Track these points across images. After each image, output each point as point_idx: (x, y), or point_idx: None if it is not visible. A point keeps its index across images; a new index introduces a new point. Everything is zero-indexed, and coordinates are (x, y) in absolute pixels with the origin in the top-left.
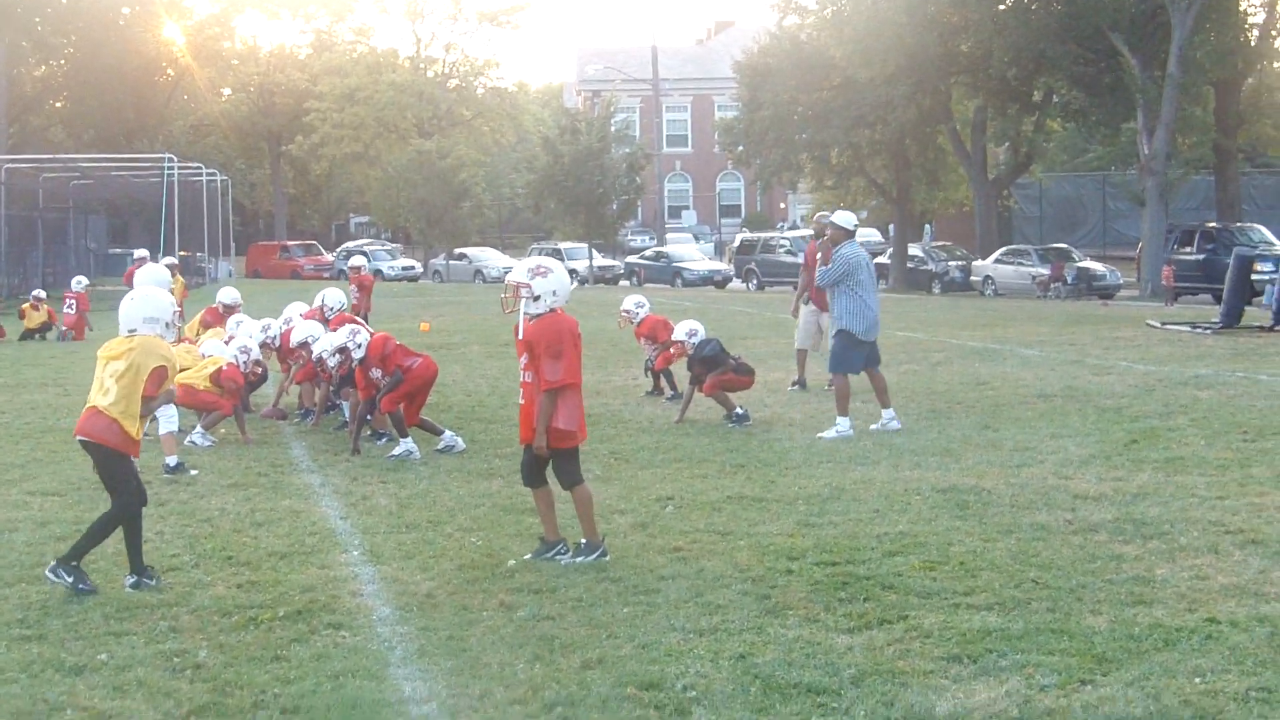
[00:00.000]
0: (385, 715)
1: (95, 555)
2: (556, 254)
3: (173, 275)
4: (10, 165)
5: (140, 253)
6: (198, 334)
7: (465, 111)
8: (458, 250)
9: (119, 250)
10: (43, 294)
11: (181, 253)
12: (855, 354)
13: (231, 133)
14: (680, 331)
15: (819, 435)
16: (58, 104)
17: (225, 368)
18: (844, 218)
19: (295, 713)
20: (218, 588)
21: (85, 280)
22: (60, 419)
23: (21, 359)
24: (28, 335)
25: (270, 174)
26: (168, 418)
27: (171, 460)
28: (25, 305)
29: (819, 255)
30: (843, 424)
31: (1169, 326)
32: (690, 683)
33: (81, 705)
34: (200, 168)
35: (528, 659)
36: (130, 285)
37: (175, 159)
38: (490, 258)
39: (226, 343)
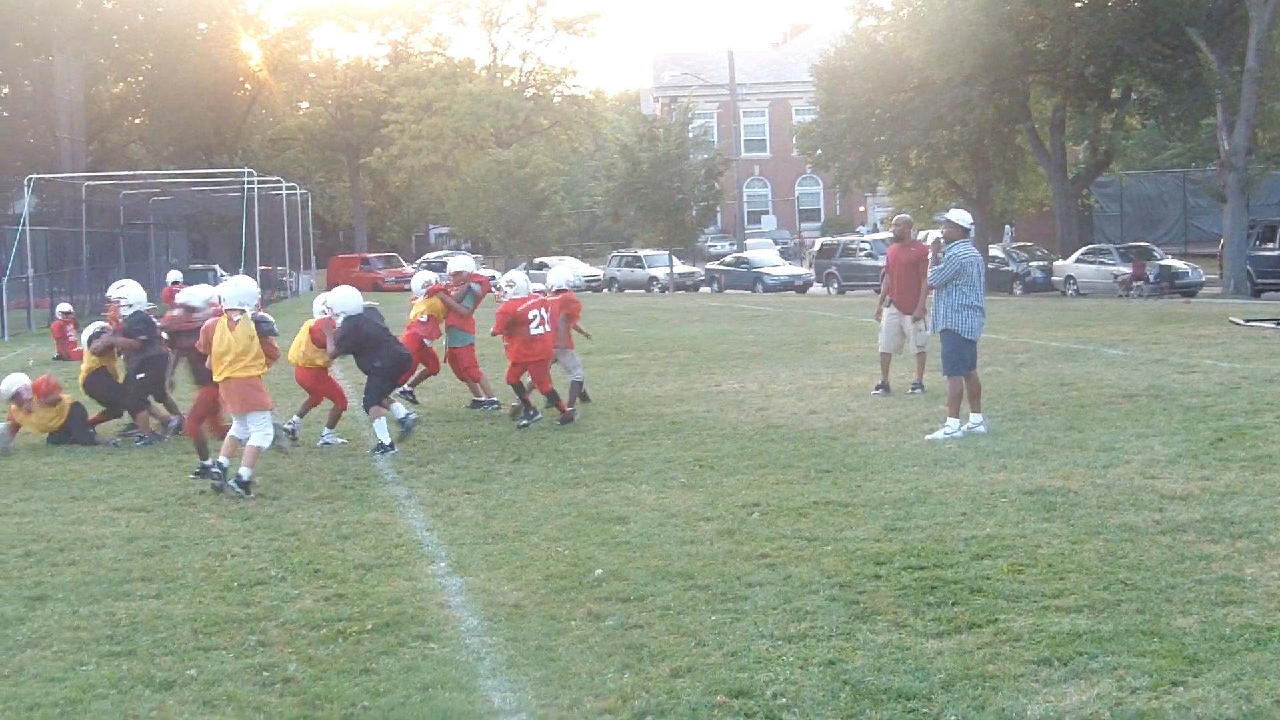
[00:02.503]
0: None
1: (184, 570)
2: (636, 261)
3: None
4: (91, 183)
5: (174, 275)
6: None
7: (543, 120)
8: (538, 259)
9: (200, 265)
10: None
11: (263, 267)
12: (967, 353)
13: (310, 146)
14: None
15: (928, 436)
16: (136, 121)
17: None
18: (960, 215)
19: None
20: (305, 601)
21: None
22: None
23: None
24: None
25: (349, 186)
26: (263, 433)
27: (245, 473)
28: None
29: (930, 254)
30: (952, 424)
31: (1253, 324)
32: (780, 690)
33: None
34: (280, 181)
35: (616, 668)
36: (170, 304)
37: (255, 173)
38: (571, 266)
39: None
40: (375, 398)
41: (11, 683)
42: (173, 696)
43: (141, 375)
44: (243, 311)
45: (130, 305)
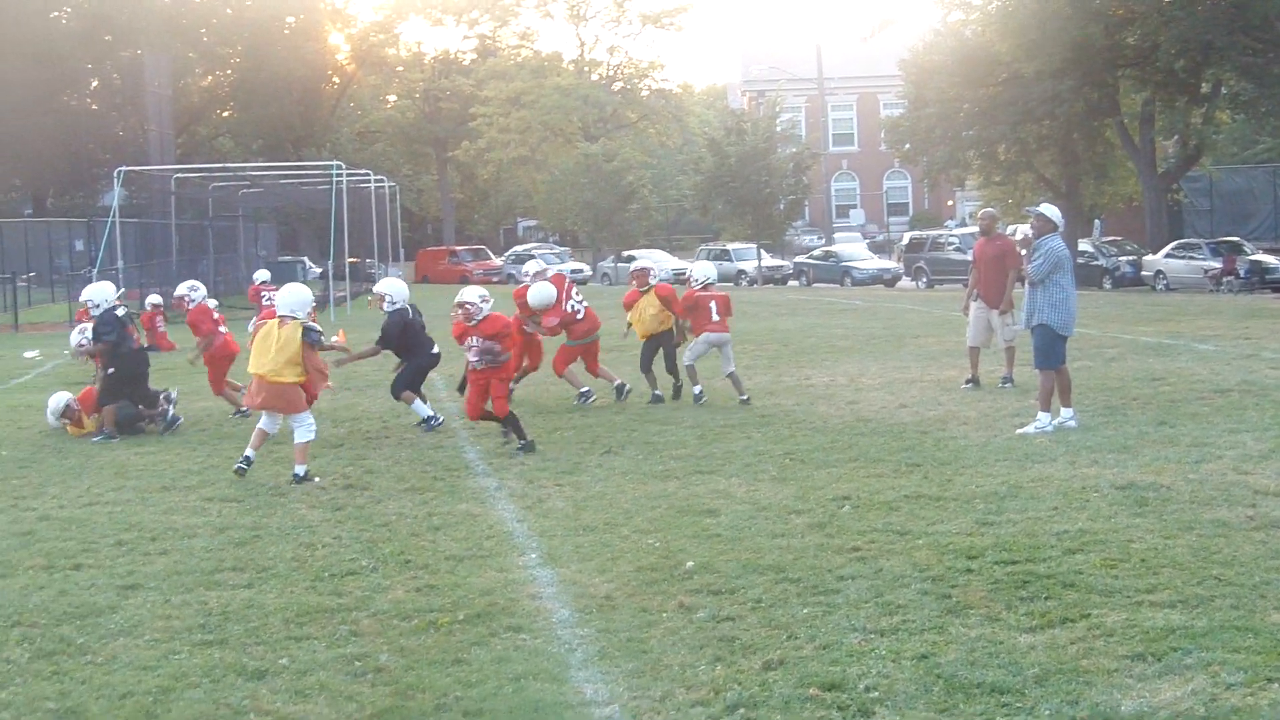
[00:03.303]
0: (568, 718)
1: (275, 560)
2: (724, 255)
3: None
4: (180, 175)
5: (262, 274)
6: None
7: (630, 114)
8: (626, 252)
9: (289, 258)
10: (213, 303)
11: (351, 259)
12: (1059, 347)
13: (398, 139)
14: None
15: (1018, 431)
16: (224, 114)
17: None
18: (1051, 210)
19: (478, 715)
20: (397, 591)
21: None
22: (236, 425)
23: (196, 368)
24: None
25: (437, 179)
26: (305, 427)
27: (300, 470)
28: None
29: (1021, 249)
30: (1043, 419)
31: None
32: (872, 683)
33: (264, 710)
34: (368, 174)
35: (708, 660)
36: (255, 302)
37: (343, 166)
38: (659, 259)
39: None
40: (405, 385)
41: (105, 670)
42: (265, 685)
43: (111, 371)
44: (294, 318)
45: (97, 306)
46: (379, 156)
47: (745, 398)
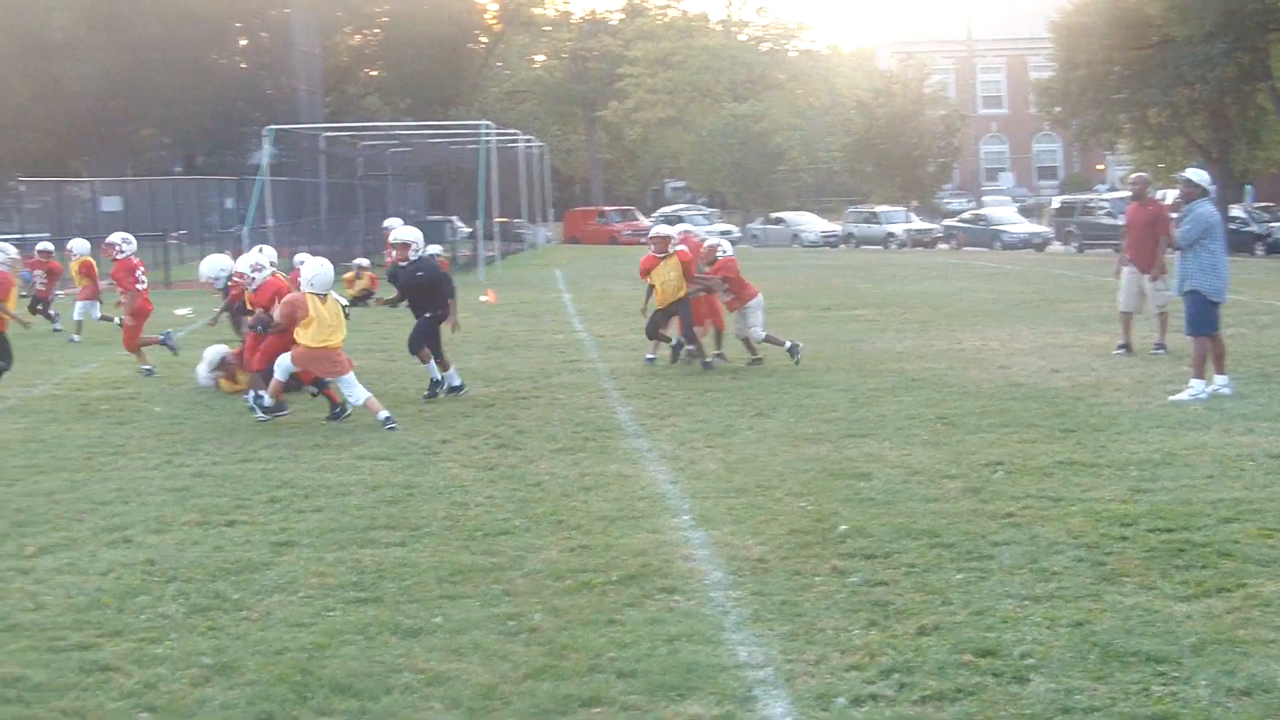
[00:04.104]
0: (722, 680)
1: (428, 519)
2: (873, 217)
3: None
4: (329, 134)
5: (393, 223)
6: None
7: (779, 75)
8: (774, 214)
9: (437, 217)
10: (365, 262)
11: (500, 219)
12: (1212, 314)
13: (546, 99)
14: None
15: (1172, 398)
16: (373, 73)
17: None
18: (1198, 174)
19: (632, 676)
20: (549, 552)
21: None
22: (387, 384)
23: (350, 326)
24: (356, 302)
25: (585, 139)
26: (353, 390)
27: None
28: (348, 274)
29: (1171, 214)
30: (1196, 386)
31: None
32: (1028, 650)
33: (418, 668)
34: (517, 134)
35: (862, 624)
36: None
37: (492, 125)
38: (808, 221)
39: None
40: (421, 343)
41: (259, 626)
42: (419, 643)
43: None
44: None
45: (215, 279)
46: (527, 116)
47: (759, 357)
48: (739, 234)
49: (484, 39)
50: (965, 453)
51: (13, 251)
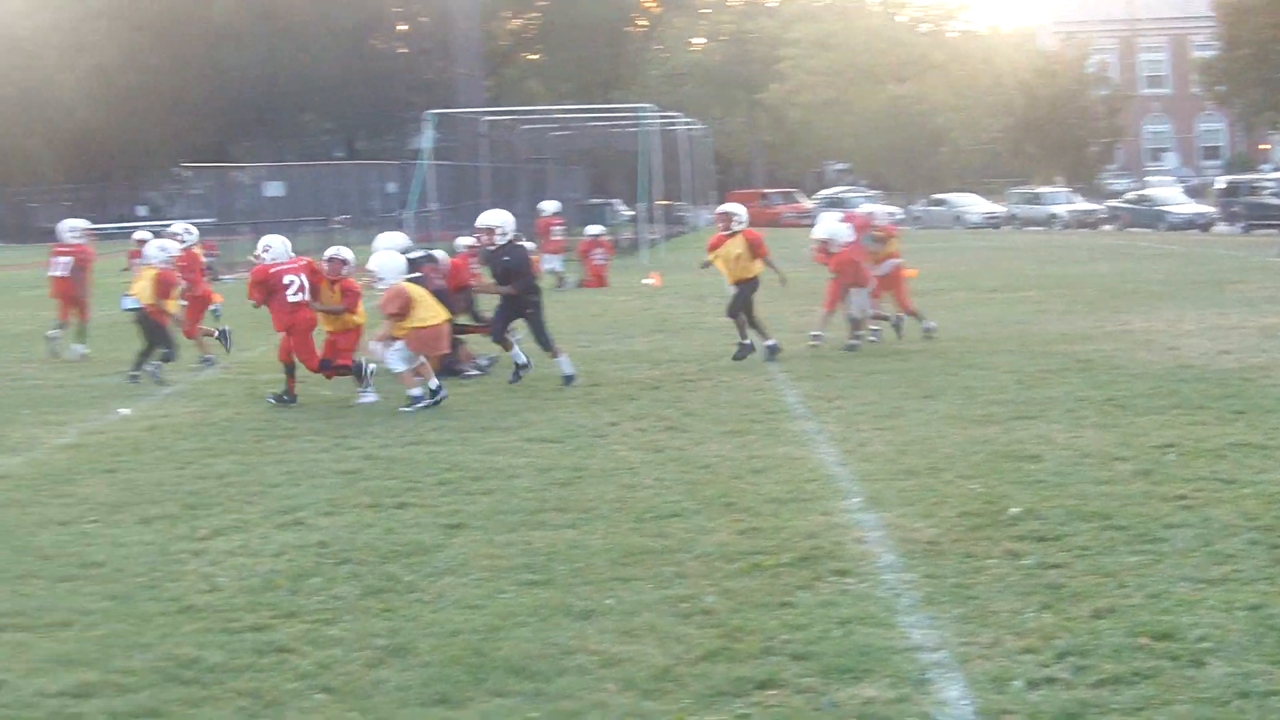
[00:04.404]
0: (896, 662)
1: (597, 501)
2: (1036, 198)
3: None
4: (490, 118)
5: (550, 206)
6: None
7: (938, 55)
8: (936, 196)
9: (599, 200)
10: (531, 245)
11: (661, 201)
12: None
13: (706, 81)
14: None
15: None
16: (532, 56)
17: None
18: None
19: (805, 659)
20: (720, 534)
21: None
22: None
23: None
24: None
25: (746, 122)
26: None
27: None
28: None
29: None
30: None
31: None
32: (1204, 633)
33: (592, 650)
34: (678, 116)
35: (1036, 607)
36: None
37: (653, 108)
38: (970, 203)
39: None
40: (502, 327)
41: (432, 608)
42: (592, 625)
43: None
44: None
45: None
46: (687, 99)
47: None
48: (902, 215)
49: (643, 22)
50: (1135, 435)
51: (175, 249)
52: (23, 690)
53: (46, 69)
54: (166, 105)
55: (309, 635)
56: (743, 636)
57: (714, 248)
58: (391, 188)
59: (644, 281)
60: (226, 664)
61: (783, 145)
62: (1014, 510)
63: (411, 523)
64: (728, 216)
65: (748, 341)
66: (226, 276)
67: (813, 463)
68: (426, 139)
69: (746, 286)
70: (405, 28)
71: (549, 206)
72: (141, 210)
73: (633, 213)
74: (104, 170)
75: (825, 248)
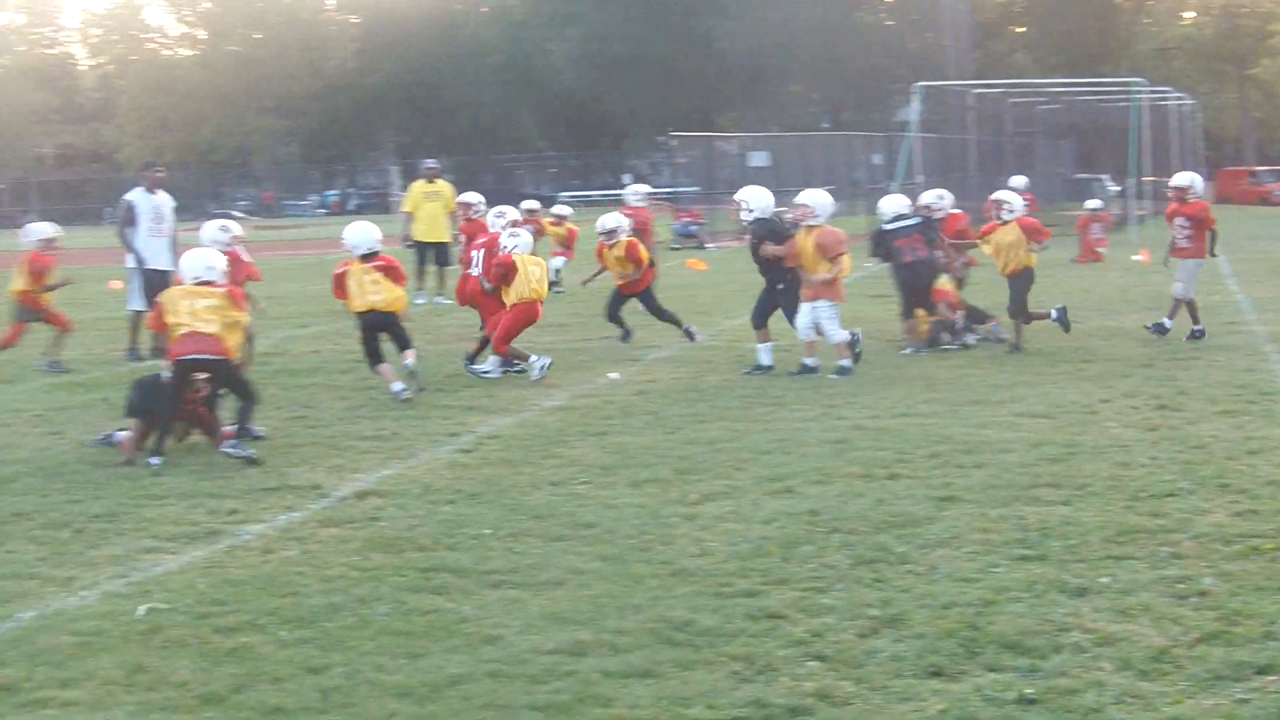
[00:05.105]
0: None
1: (1091, 478)
2: None
3: None
4: (977, 91)
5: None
6: None
7: None
8: None
9: (1085, 175)
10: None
11: (1148, 178)
12: None
13: (1195, 56)
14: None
15: None
16: (1020, 30)
17: None
18: None
19: None
20: (1216, 515)
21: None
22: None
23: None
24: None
25: (1237, 98)
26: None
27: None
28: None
29: None
30: None
31: None
32: None
33: (1087, 627)
34: (1168, 91)
35: None
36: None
37: (1144, 82)
38: None
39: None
40: (764, 317)
41: (925, 580)
42: (1086, 603)
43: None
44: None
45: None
46: (1176, 74)
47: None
48: None
49: None
50: None
51: (236, 229)
52: (518, 646)
53: (536, 39)
54: (654, 75)
55: (800, 603)
56: (1241, 620)
57: (984, 235)
58: (877, 159)
59: (1133, 258)
60: (719, 628)
61: (1274, 122)
62: None
63: (903, 494)
64: (999, 204)
65: (1055, 317)
66: (710, 245)
67: None
68: (914, 111)
69: (1022, 278)
70: (892, 0)
71: (1018, 182)
72: (627, 178)
73: (1120, 188)
74: (589, 138)
75: None
